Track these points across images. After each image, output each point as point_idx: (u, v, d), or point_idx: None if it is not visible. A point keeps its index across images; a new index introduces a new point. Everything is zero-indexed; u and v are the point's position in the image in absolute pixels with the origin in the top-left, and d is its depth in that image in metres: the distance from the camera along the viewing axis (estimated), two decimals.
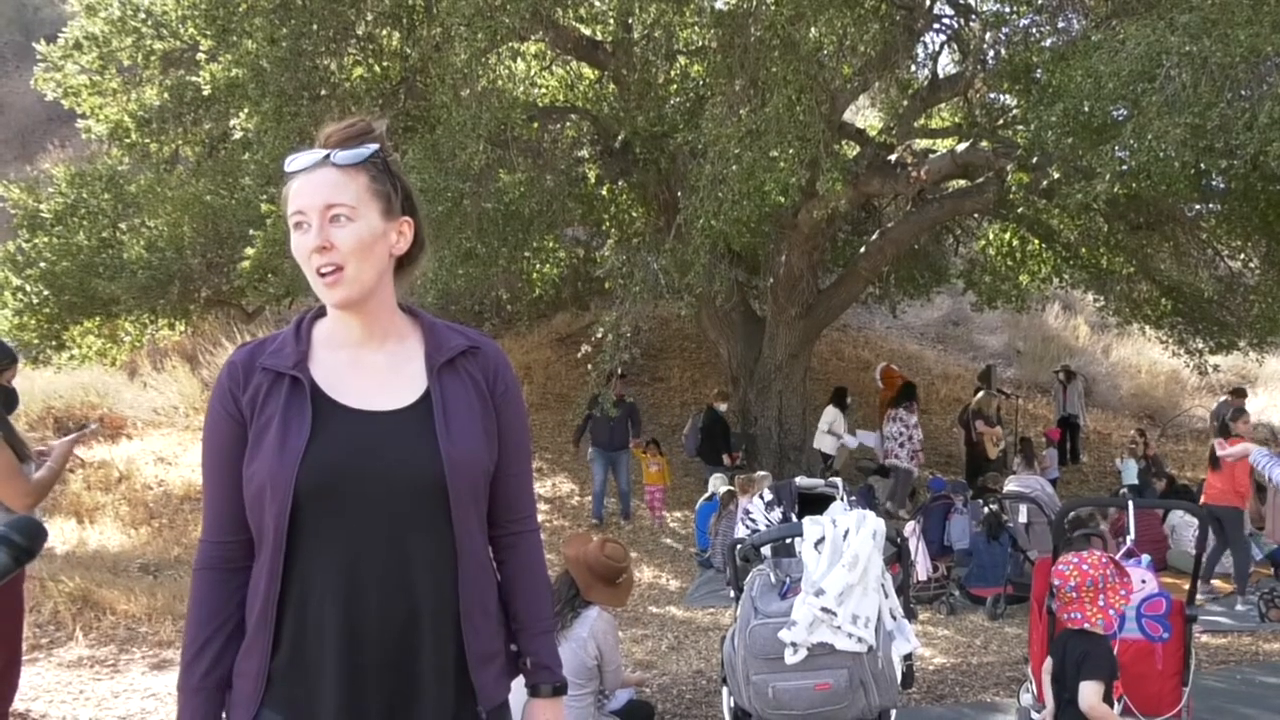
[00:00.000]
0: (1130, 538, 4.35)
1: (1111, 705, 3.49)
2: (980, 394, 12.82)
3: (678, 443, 13.11)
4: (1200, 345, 12.97)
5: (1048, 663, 3.67)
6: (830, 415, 11.92)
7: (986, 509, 8.37)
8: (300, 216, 1.70)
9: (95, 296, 10.13)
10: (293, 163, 1.74)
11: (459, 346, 1.82)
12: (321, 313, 1.83)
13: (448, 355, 1.80)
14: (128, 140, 10.57)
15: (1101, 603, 3.47)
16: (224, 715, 1.75)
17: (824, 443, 11.95)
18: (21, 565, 1.38)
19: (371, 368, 1.77)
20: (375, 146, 1.75)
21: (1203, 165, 8.63)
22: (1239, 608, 7.80)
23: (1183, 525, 8.97)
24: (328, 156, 1.71)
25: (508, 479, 1.86)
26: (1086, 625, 3.49)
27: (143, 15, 9.92)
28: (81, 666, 6.55)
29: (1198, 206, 11.36)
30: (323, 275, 1.69)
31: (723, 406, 11.77)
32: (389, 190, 1.75)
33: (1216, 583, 8.27)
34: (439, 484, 1.70)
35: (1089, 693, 3.39)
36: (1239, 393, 12.30)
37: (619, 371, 10.53)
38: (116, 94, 10.48)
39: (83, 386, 12.96)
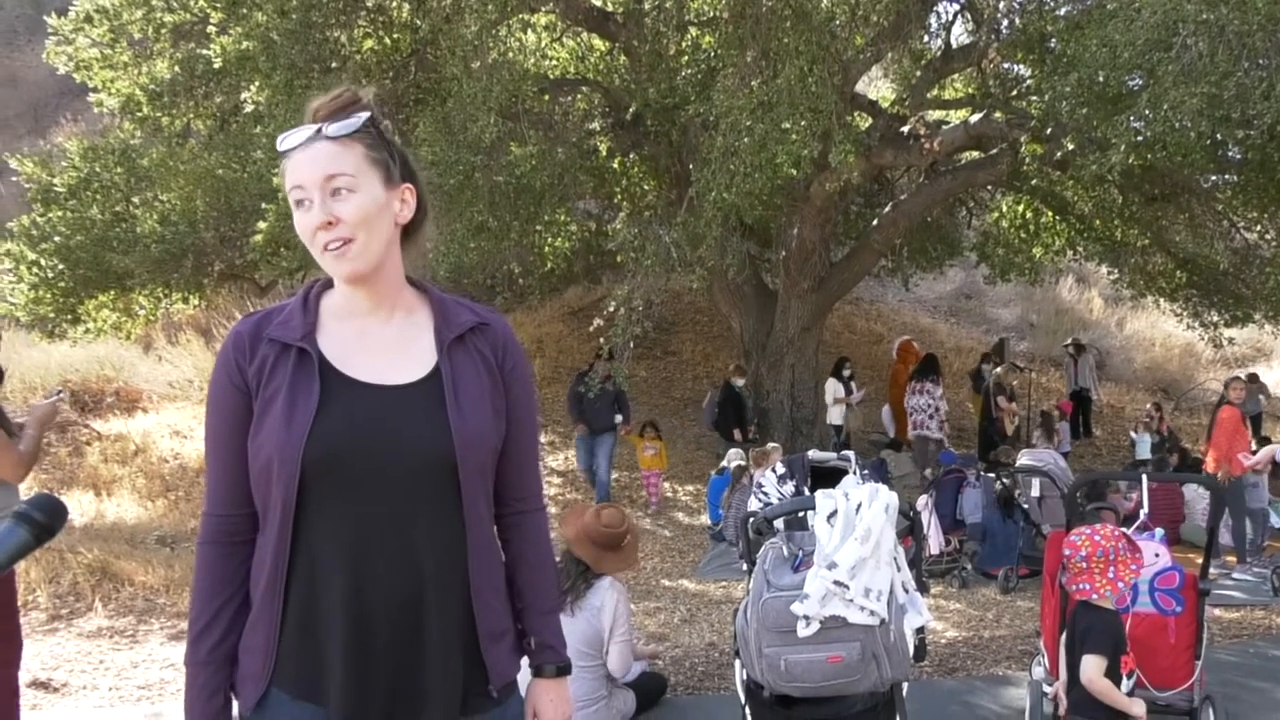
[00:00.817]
0: (1144, 511, 4.35)
1: (1119, 680, 3.46)
2: (1000, 367, 12.82)
3: (688, 417, 13.15)
4: (1215, 318, 12.91)
5: (1066, 635, 3.65)
6: (830, 387, 12.11)
7: (1000, 484, 8.37)
8: (301, 193, 1.66)
9: (109, 270, 10.18)
10: (285, 140, 1.70)
11: (469, 322, 1.80)
12: (330, 284, 1.80)
13: (458, 331, 1.78)
14: (139, 114, 10.57)
15: (1111, 575, 3.45)
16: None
17: (833, 415, 12.05)
18: (42, 543, 1.39)
19: (380, 341, 1.75)
20: (367, 115, 1.70)
21: (1219, 135, 8.54)
22: (1236, 575, 7.84)
23: (1195, 499, 8.96)
24: (320, 130, 1.67)
25: (515, 457, 1.84)
26: (1094, 597, 3.46)
27: None
28: (101, 637, 6.63)
29: (1214, 177, 11.24)
30: (330, 250, 1.66)
31: (740, 382, 11.80)
32: (387, 158, 1.71)
33: (1230, 558, 8.27)
34: (449, 460, 1.68)
35: (1089, 666, 3.38)
36: (1254, 379, 12.26)
37: (608, 352, 10.33)
38: (128, 67, 10.47)
39: (98, 360, 13.04)
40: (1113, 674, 3.42)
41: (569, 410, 10.90)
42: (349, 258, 1.66)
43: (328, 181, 1.65)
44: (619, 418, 10.58)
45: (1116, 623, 3.55)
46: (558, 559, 4.14)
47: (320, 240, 1.66)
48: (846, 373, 12.29)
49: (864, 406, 12.79)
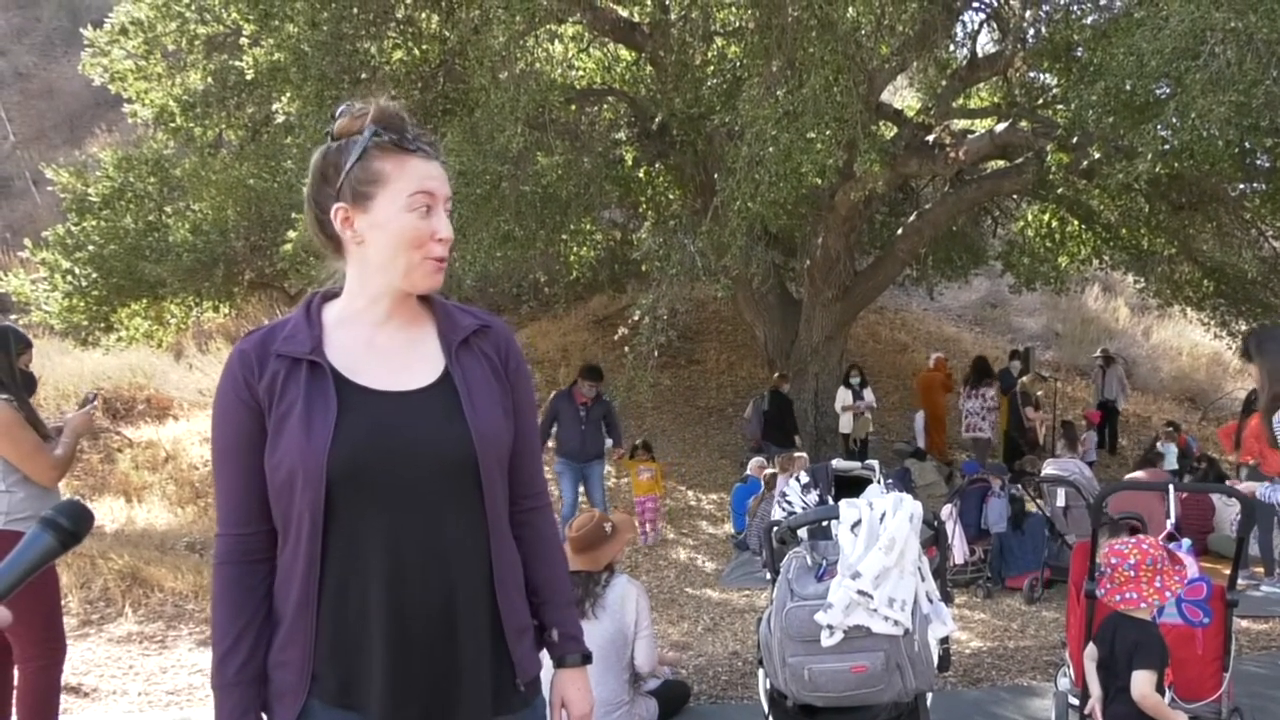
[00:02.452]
0: (1171, 522, 4.32)
1: (1163, 693, 3.43)
2: (1025, 376, 12.84)
3: (712, 425, 13.11)
4: (1243, 327, 12.80)
5: (1091, 649, 3.60)
6: (840, 395, 12.20)
7: (1012, 495, 8.36)
8: (428, 199, 1.71)
9: (142, 279, 10.33)
10: (411, 137, 1.73)
11: (471, 325, 1.84)
12: (329, 295, 1.83)
13: (463, 334, 1.81)
14: (172, 124, 10.71)
15: (1158, 584, 3.41)
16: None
17: (843, 424, 12.19)
18: (67, 549, 1.42)
19: (387, 349, 1.77)
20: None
21: (1247, 144, 8.51)
22: (1264, 586, 7.76)
23: (1223, 509, 8.88)
24: (429, 142, 1.76)
25: (521, 456, 1.87)
26: (1143, 605, 3.41)
27: (187, 0, 10.05)
28: (131, 642, 6.71)
29: (1241, 186, 11.19)
30: (435, 261, 1.73)
31: (786, 388, 11.84)
32: None
33: (1258, 569, 8.19)
34: (470, 461, 1.70)
35: (1142, 682, 3.33)
36: None
37: (591, 370, 9.47)
38: (161, 78, 10.64)
39: (130, 367, 13.20)
40: (1158, 687, 3.38)
41: (542, 425, 8.99)
42: (441, 274, 1.76)
43: (446, 201, 1.75)
44: (609, 441, 9.53)
45: (1161, 635, 3.50)
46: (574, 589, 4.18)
47: (433, 250, 1.73)
48: (855, 379, 12.28)
49: (877, 413, 12.76)
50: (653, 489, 9.84)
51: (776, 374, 12.32)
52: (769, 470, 9.53)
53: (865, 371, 12.79)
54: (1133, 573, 3.43)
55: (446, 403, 1.73)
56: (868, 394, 12.26)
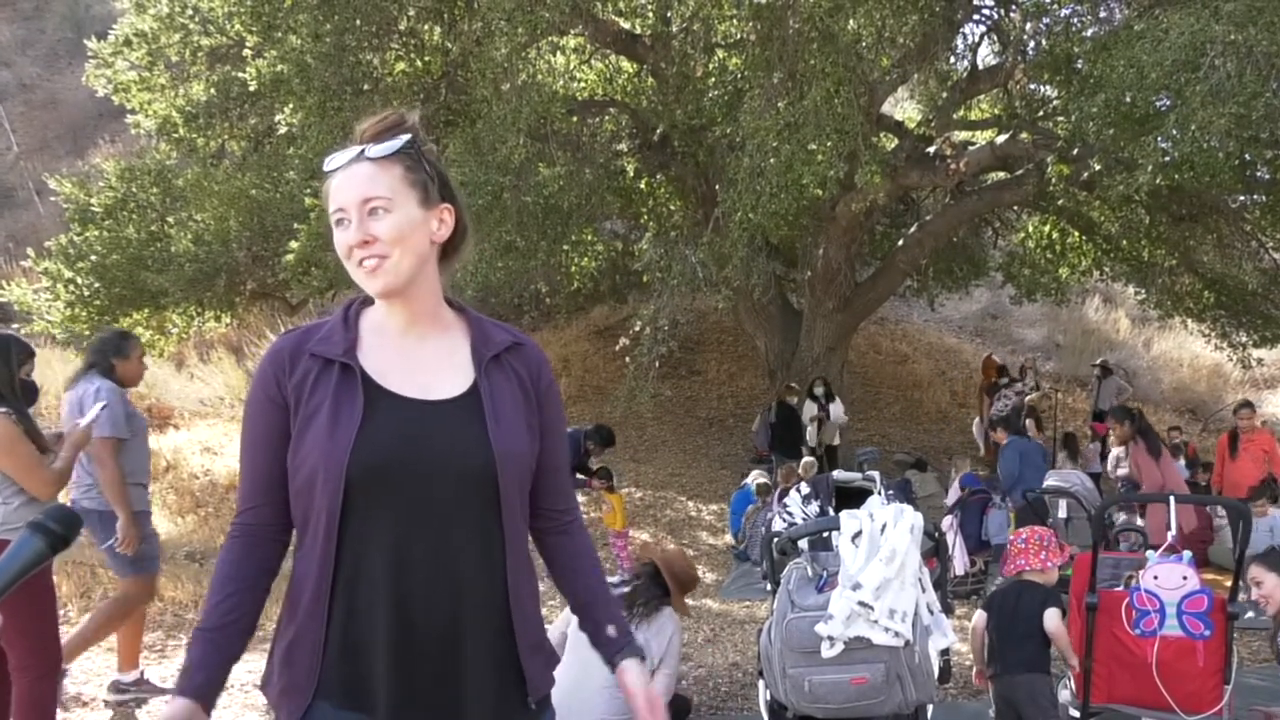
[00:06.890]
0: (1171, 534, 4.32)
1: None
2: (1034, 393, 12.88)
3: (713, 436, 13.08)
4: (1244, 338, 12.84)
5: (981, 616, 4.10)
6: (806, 408, 12.09)
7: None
8: (341, 214, 1.71)
9: (144, 289, 10.32)
10: (331, 162, 1.75)
11: (505, 342, 1.84)
12: (369, 301, 1.83)
13: (495, 350, 1.82)
14: (175, 135, 10.76)
15: (1043, 556, 3.99)
16: (262, 693, 1.77)
17: (808, 436, 12.04)
18: (56, 553, 1.43)
19: (419, 357, 1.78)
20: (408, 137, 1.75)
21: (1247, 155, 8.53)
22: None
23: (1224, 522, 8.86)
24: (362, 152, 1.72)
25: (554, 471, 1.89)
26: (1028, 569, 3.98)
27: (190, 12, 10.12)
28: None
29: (1242, 197, 11.24)
30: (365, 266, 1.70)
31: (793, 399, 11.79)
32: (425, 179, 1.75)
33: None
34: (488, 473, 1.71)
35: (1055, 617, 3.88)
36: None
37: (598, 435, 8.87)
38: (165, 90, 10.68)
39: None
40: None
41: None
42: (381, 273, 1.71)
43: (365, 203, 1.69)
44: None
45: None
46: (637, 578, 4.24)
47: (356, 257, 1.71)
48: (818, 390, 12.13)
49: (879, 424, 12.74)
50: (613, 523, 8.83)
51: (783, 385, 12.26)
52: (759, 481, 9.56)
53: (843, 385, 12.67)
54: (1023, 545, 4.04)
55: (471, 415, 1.74)
56: (834, 408, 12.11)
